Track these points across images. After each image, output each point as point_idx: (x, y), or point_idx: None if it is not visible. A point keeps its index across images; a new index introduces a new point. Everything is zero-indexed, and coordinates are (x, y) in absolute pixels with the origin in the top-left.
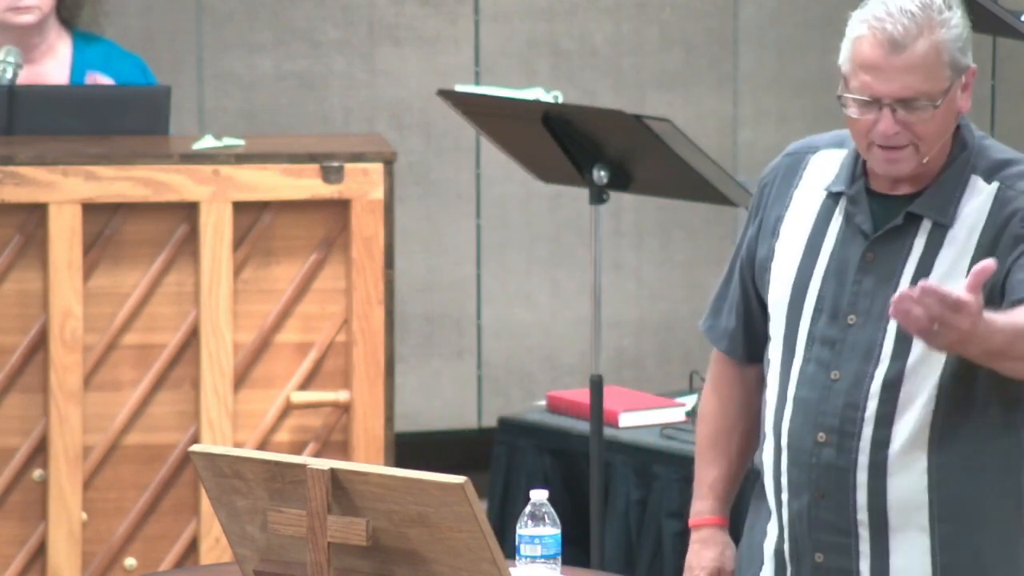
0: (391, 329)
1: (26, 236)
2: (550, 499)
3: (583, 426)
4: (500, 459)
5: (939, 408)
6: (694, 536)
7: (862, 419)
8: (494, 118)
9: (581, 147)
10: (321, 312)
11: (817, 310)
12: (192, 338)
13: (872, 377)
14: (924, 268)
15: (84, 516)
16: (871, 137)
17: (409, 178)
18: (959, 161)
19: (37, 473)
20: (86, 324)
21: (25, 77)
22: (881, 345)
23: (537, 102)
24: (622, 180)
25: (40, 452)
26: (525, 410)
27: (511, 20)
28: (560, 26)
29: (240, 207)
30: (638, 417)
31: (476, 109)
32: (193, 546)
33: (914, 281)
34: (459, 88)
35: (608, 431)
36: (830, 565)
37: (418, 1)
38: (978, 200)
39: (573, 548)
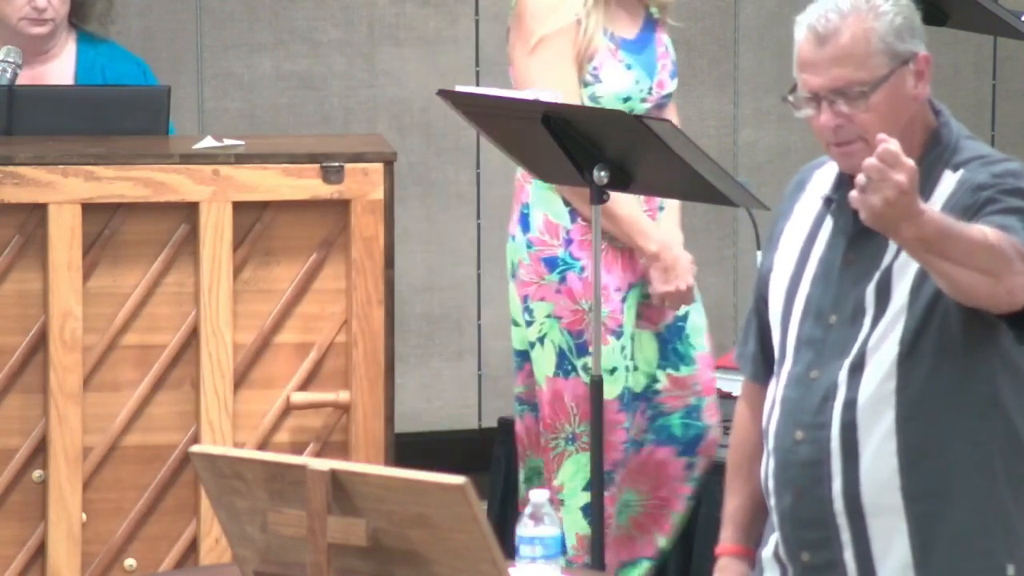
0: (391, 329)
1: (26, 236)
2: (550, 499)
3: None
4: (500, 459)
5: (900, 385)
6: (716, 565)
7: (832, 408)
8: (494, 118)
9: (581, 147)
10: (321, 312)
11: (805, 313)
12: (192, 338)
13: (841, 367)
14: (894, 262)
15: (84, 516)
16: (825, 136)
17: (409, 178)
18: (932, 156)
19: (37, 473)
20: (86, 324)
21: (28, 77)
22: (855, 341)
23: (537, 102)
24: (622, 180)
25: (40, 452)
26: None
27: None
28: None
29: (240, 207)
30: None
31: (476, 109)
32: (193, 546)
33: (883, 278)
34: (459, 88)
35: None
36: (816, 562)
37: (418, 1)
38: (942, 189)
39: None
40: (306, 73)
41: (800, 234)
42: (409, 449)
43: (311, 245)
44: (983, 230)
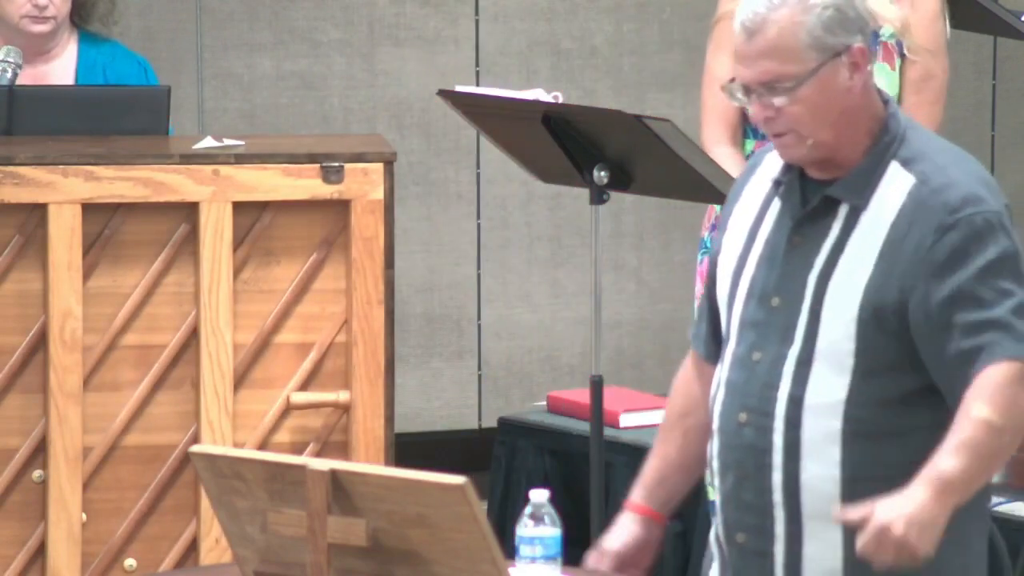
0: (391, 329)
1: (26, 236)
2: (550, 499)
3: (583, 426)
4: (500, 459)
5: (851, 397)
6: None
7: (775, 399)
8: (494, 118)
9: (581, 147)
10: (321, 312)
11: (749, 295)
12: (192, 338)
13: (786, 357)
14: (837, 250)
15: (84, 516)
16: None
17: (409, 178)
18: (880, 146)
19: (37, 473)
20: (86, 324)
21: (30, 76)
22: (796, 326)
23: (537, 102)
24: (622, 180)
25: (40, 452)
26: (525, 410)
27: (511, 20)
28: (560, 26)
29: (240, 207)
30: (638, 417)
31: (476, 109)
32: (193, 546)
33: (827, 263)
34: (459, 88)
35: (609, 431)
36: (750, 547)
37: (418, 1)
38: (894, 188)
39: (573, 548)
40: (306, 73)
41: (748, 216)
42: (409, 449)
43: (311, 245)
44: (983, 419)
